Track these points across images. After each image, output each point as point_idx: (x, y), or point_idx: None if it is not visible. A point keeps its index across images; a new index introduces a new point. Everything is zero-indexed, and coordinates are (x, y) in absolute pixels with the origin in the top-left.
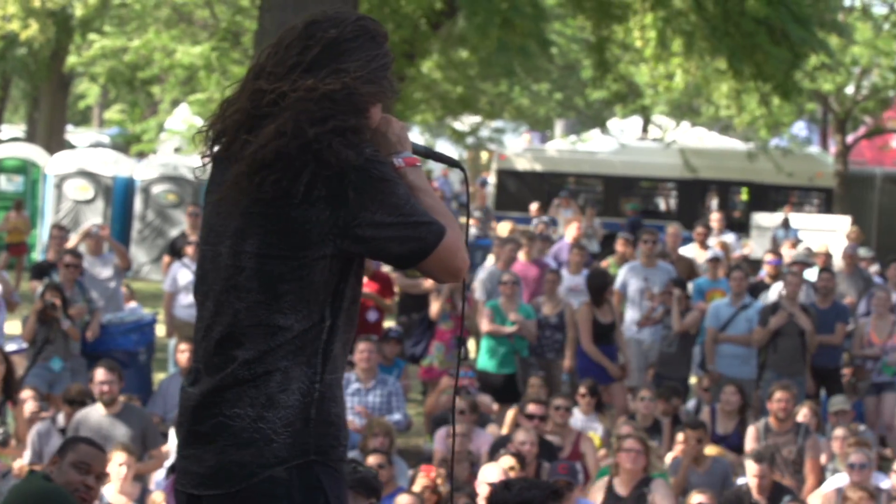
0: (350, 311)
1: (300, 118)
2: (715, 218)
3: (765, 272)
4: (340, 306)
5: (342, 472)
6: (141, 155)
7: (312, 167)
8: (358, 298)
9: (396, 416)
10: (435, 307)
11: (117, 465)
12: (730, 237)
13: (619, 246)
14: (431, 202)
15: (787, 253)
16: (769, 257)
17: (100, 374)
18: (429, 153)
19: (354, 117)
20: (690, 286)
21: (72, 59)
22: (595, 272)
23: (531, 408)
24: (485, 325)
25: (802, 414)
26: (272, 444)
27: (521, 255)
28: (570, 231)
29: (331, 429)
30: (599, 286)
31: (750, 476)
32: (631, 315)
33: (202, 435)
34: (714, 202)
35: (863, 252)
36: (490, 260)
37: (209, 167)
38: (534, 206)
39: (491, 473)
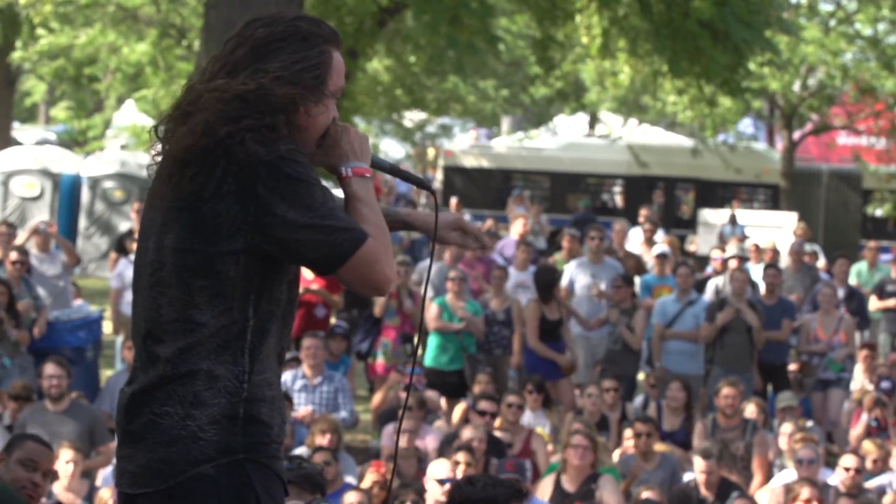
0: (286, 313)
1: (211, 118)
2: (643, 214)
3: (712, 268)
4: (267, 308)
5: (276, 469)
6: (88, 151)
7: (224, 163)
8: (294, 300)
9: (343, 414)
10: (379, 304)
11: (64, 462)
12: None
13: (566, 242)
14: (368, 213)
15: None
16: (716, 253)
17: (49, 368)
18: (394, 171)
19: (270, 116)
20: (638, 282)
21: (17, 55)
22: (543, 269)
23: (483, 404)
24: (432, 321)
25: (750, 410)
26: (199, 442)
27: (469, 252)
28: (515, 227)
29: (261, 427)
30: (547, 283)
31: (698, 472)
32: (578, 311)
33: (133, 434)
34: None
35: (808, 248)
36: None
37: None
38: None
39: (439, 470)
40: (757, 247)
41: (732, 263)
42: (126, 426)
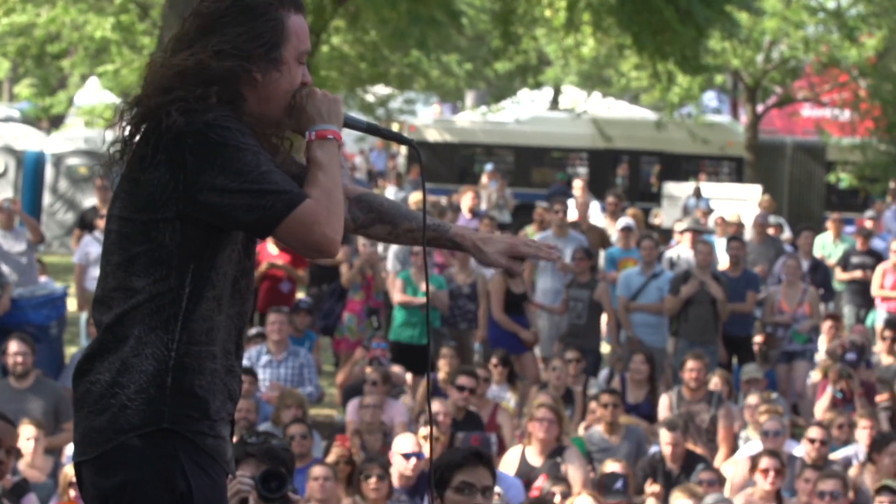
0: (237, 285)
1: (148, 91)
2: (578, 186)
3: (675, 241)
4: (207, 276)
5: (205, 446)
6: (53, 126)
7: (155, 133)
8: (247, 272)
9: (308, 389)
10: (344, 273)
11: (25, 439)
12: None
13: (537, 215)
14: (320, 177)
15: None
16: (680, 226)
17: (13, 346)
18: (371, 129)
19: (203, 88)
20: (602, 255)
21: None
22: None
23: (462, 380)
24: (397, 296)
25: (714, 382)
26: (126, 411)
27: None
28: (464, 201)
29: (192, 400)
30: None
31: (663, 444)
32: (542, 284)
33: (76, 402)
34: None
35: (774, 220)
36: None
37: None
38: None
39: (405, 444)
40: (722, 219)
41: (686, 237)
42: (74, 394)
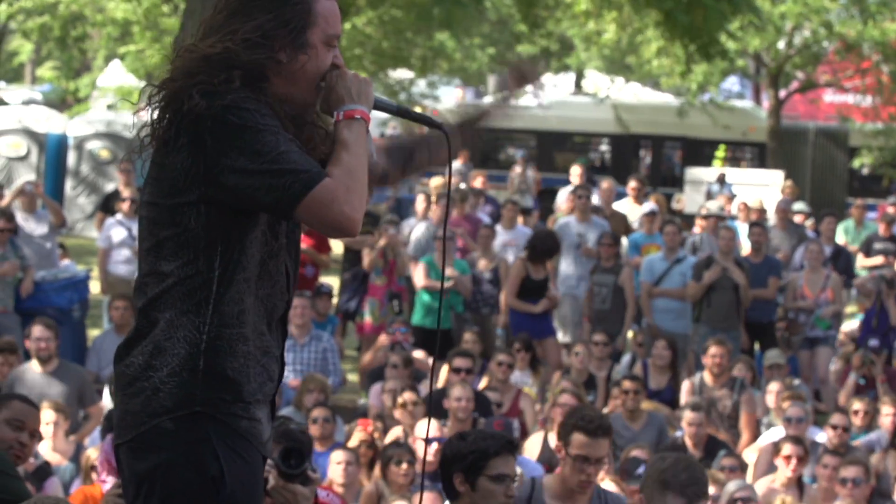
0: (263, 266)
1: (174, 75)
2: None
3: (698, 227)
4: (237, 259)
5: (238, 428)
6: (76, 112)
7: (178, 117)
8: (275, 254)
9: (331, 379)
10: (366, 256)
11: (45, 423)
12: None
13: (569, 201)
14: (344, 156)
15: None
16: (704, 211)
17: (37, 331)
18: (401, 111)
19: (226, 72)
20: (625, 241)
21: (2, 8)
22: (544, 234)
23: (458, 361)
24: (420, 280)
25: (737, 368)
26: (158, 394)
27: (455, 211)
28: (476, 185)
29: (224, 383)
30: (546, 248)
31: (686, 425)
32: (565, 269)
33: (115, 387)
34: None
35: (798, 206)
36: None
37: None
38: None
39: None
40: (745, 205)
41: (707, 222)
42: (113, 380)
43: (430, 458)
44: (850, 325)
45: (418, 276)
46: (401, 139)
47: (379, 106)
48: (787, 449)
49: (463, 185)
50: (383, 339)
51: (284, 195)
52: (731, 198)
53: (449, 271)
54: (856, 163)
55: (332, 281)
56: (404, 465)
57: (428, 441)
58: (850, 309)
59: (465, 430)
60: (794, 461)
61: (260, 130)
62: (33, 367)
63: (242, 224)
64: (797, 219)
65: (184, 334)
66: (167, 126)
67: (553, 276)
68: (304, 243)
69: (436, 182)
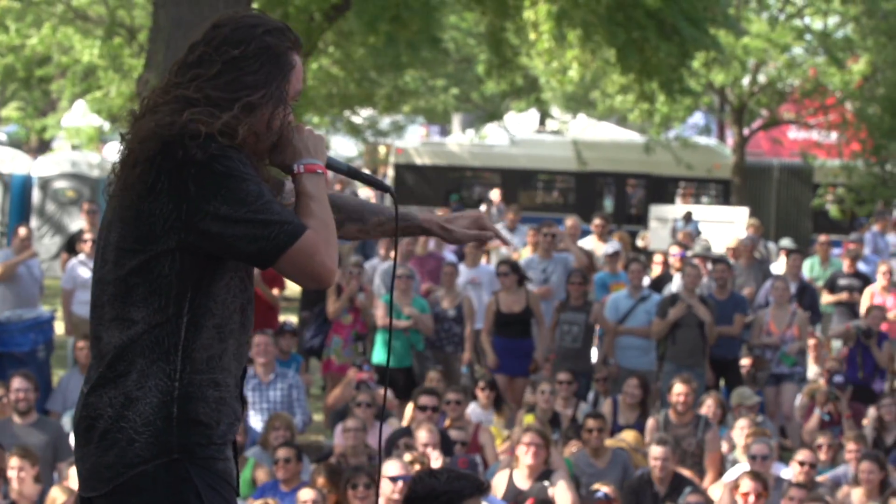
0: (244, 312)
1: (152, 118)
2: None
3: (658, 263)
4: (205, 305)
5: (215, 469)
6: (40, 150)
7: (159, 161)
8: (248, 302)
9: (297, 418)
10: (331, 303)
11: (9, 468)
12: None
13: (530, 237)
14: (315, 208)
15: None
16: (675, 249)
17: (17, 382)
18: (351, 172)
19: (209, 120)
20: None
21: None
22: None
23: (423, 399)
24: (380, 318)
25: (706, 405)
26: (134, 445)
27: (418, 249)
28: None
29: (198, 427)
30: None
31: (652, 460)
32: None
33: (80, 437)
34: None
35: (784, 244)
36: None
37: None
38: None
39: (391, 468)
40: (730, 248)
41: (695, 262)
42: (76, 428)
43: (395, 496)
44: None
45: (379, 314)
46: (344, 198)
47: (330, 165)
48: (746, 485)
49: None
50: (352, 373)
51: (268, 245)
52: (696, 235)
53: (408, 310)
54: (816, 203)
55: (289, 318)
56: (360, 489)
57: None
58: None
59: (436, 469)
60: (752, 497)
61: (244, 179)
62: (14, 419)
63: (212, 271)
64: (782, 255)
65: (155, 383)
66: (144, 171)
67: (537, 311)
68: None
69: None
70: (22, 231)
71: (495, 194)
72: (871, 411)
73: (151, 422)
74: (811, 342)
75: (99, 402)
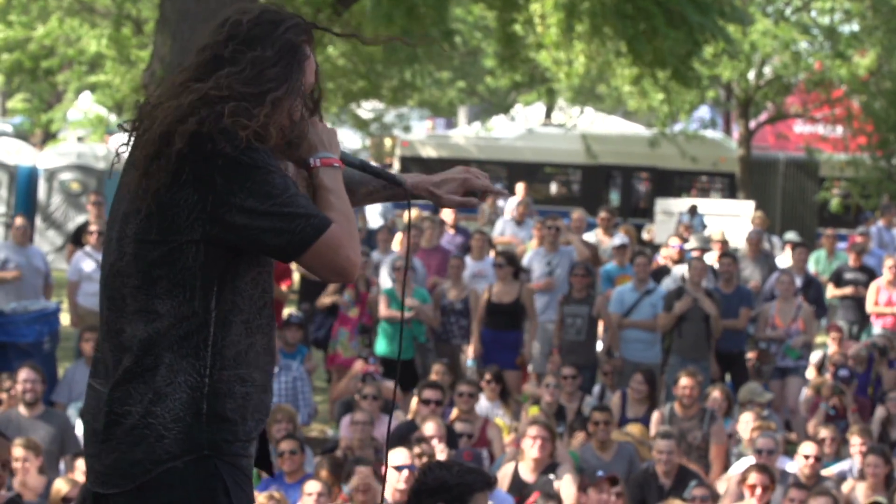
0: (260, 306)
1: (171, 112)
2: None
3: (660, 256)
4: (231, 299)
5: (240, 466)
6: (44, 142)
7: (185, 152)
8: (270, 298)
9: (301, 411)
10: (329, 297)
11: (14, 459)
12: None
13: (536, 230)
14: (335, 201)
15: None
16: (674, 241)
17: (24, 374)
18: (364, 167)
19: (246, 118)
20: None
21: None
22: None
23: (427, 393)
24: (381, 310)
25: (712, 398)
26: (163, 441)
27: (423, 242)
28: (446, 216)
29: (225, 424)
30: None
31: (657, 454)
32: (536, 299)
33: (99, 433)
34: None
35: (789, 237)
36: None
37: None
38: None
39: (396, 457)
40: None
41: (694, 255)
42: (92, 424)
43: (401, 485)
44: (817, 354)
45: (381, 306)
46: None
47: (343, 159)
48: (753, 478)
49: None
50: (358, 365)
51: (294, 239)
52: (701, 229)
53: (409, 301)
54: (821, 196)
55: (290, 311)
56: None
57: (384, 479)
58: (820, 339)
59: (448, 461)
60: (759, 490)
61: (270, 171)
62: (20, 411)
63: (237, 264)
64: (787, 249)
65: (184, 378)
66: (166, 162)
67: (530, 304)
68: None
69: (405, 215)
70: (18, 220)
71: (520, 188)
72: (880, 410)
73: (181, 418)
74: (833, 336)
75: (126, 398)
